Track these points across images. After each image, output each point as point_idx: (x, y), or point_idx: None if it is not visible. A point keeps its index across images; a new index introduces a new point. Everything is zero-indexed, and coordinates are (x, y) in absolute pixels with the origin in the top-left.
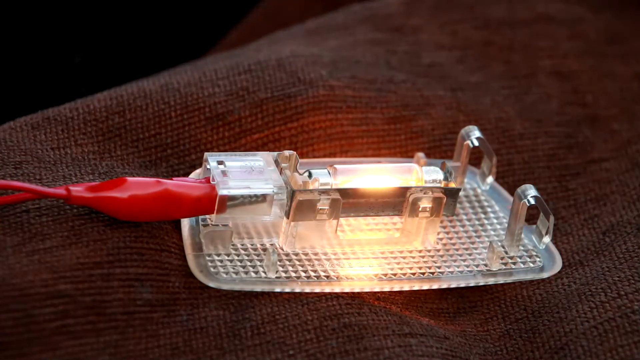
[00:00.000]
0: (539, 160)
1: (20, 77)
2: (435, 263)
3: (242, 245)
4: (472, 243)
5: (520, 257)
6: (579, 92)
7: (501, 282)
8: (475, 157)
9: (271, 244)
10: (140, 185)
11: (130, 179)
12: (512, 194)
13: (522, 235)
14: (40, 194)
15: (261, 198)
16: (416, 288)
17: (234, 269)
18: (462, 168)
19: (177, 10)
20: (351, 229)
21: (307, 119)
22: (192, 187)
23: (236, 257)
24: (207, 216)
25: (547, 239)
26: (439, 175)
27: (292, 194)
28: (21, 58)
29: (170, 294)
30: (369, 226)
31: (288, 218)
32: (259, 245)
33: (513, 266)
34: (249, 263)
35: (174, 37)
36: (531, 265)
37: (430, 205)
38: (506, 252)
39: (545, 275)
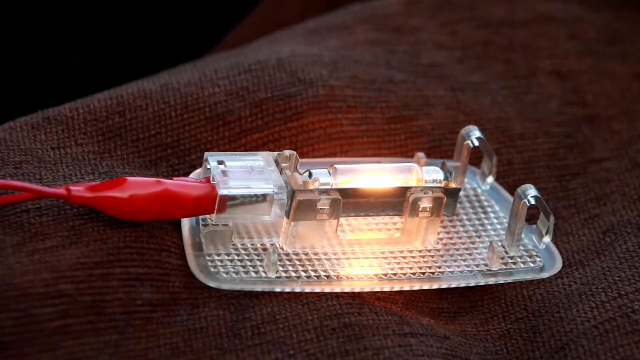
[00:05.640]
0: (539, 160)
1: (20, 77)
2: (436, 263)
3: (242, 245)
4: (472, 243)
5: (520, 257)
6: (579, 92)
7: (501, 282)
8: (475, 157)
9: (271, 244)
10: (140, 185)
11: (130, 178)
12: (512, 193)
13: (522, 235)
14: (40, 194)
15: (261, 198)
16: (416, 288)
17: (234, 268)
18: (462, 168)
19: (177, 10)
20: (351, 228)
21: (307, 119)
22: (192, 187)
23: (236, 257)
24: (207, 216)
25: (547, 239)
26: (439, 175)
27: (292, 193)
28: (21, 58)
29: (170, 294)
30: (369, 226)
31: (288, 218)
32: (259, 245)
33: (513, 266)
34: (249, 263)
35: (174, 37)
36: (531, 265)
37: (431, 205)
38: (506, 252)
39: (545, 275)
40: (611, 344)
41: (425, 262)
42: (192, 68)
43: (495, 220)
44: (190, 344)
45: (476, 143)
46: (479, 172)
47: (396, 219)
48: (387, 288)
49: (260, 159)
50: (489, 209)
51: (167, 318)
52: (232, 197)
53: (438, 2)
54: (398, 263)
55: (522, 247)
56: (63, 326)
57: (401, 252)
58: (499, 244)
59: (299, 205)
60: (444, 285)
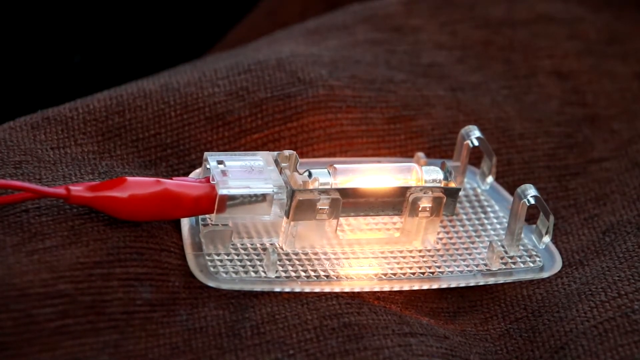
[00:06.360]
0: (539, 160)
1: (20, 77)
2: (435, 263)
3: (242, 245)
4: (472, 243)
5: (520, 257)
6: (579, 92)
7: (501, 281)
8: (475, 157)
9: (271, 244)
10: (140, 184)
11: (130, 178)
12: (512, 193)
13: (522, 235)
14: (40, 194)
15: (261, 198)
16: (416, 288)
17: (233, 268)
18: (462, 168)
19: (177, 10)
20: (351, 228)
21: (307, 119)
22: (191, 187)
23: (236, 257)
24: (207, 216)
25: (547, 239)
26: (439, 175)
27: (291, 193)
28: (21, 58)
29: (170, 294)
30: (368, 226)
31: (288, 218)
32: (258, 245)
33: (513, 266)
34: (248, 263)
35: (174, 37)
36: (531, 265)
37: (430, 205)
38: (506, 252)
39: (545, 274)
40: (611, 344)
41: (425, 262)
42: (192, 68)
43: (495, 220)
44: (190, 344)
45: (476, 143)
46: (478, 172)
47: (396, 219)
48: (386, 288)
49: (260, 159)
50: (488, 209)
51: (166, 318)
52: (232, 197)
53: (438, 2)
54: (398, 263)
55: (521, 247)
56: (63, 326)
57: (401, 252)
58: (499, 243)
59: (299, 205)
60: (444, 285)
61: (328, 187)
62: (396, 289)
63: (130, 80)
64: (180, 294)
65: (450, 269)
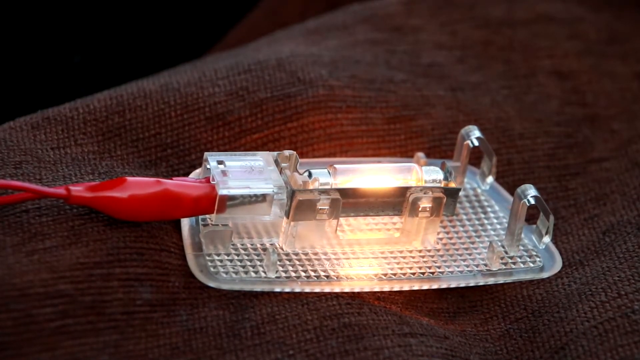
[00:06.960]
0: (539, 160)
1: (20, 77)
2: (435, 263)
3: (242, 245)
4: (472, 243)
5: (520, 257)
6: (579, 92)
7: (501, 282)
8: (475, 157)
9: (271, 244)
10: (140, 185)
11: (130, 178)
12: (512, 193)
13: (522, 235)
14: (40, 194)
15: (261, 198)
16: (416, 288)
17: (233, 268)
18: (462, 168)
19: (177, 10)
20: (351, 228)
21: (307, 119)
22: (192, 187)
23: (236, 257)
24: (207, 216)
25: (547, 239)
26: (439, 175)
27: (292, 193)
28: (21, 58)
29: (170, 294)
30: (369, 226)
31: (288, 218)
32: (259, 245)
33: (513, 266)
34: (248, 263)
35: (174, 37)
36: (531, 265)
37: (430, 205)
38: (506, 252)
39: (545, 275)
40: (611, 344)
41: (425, 262)
42: (192, 68)
43: (495, 220)
44: (190, 344)
45: (476, 143)
46: (478, 172)
47: (396, 219)
48: (387, 288)
49: (260, 159)
50: (488, 209)
51: (166, 318)
52: (232, 197)
53: (438, 2)
54: (398, 263)
55: (521, 247)
56: (63, 326)
57: (401, 252)
58: (499, 244)
59: (299, 205)
60: (444, 285)
61: (328, 187)
62: (396, 289)
63: (130, 80)
64: (180, 294)
65: (450, 269)
